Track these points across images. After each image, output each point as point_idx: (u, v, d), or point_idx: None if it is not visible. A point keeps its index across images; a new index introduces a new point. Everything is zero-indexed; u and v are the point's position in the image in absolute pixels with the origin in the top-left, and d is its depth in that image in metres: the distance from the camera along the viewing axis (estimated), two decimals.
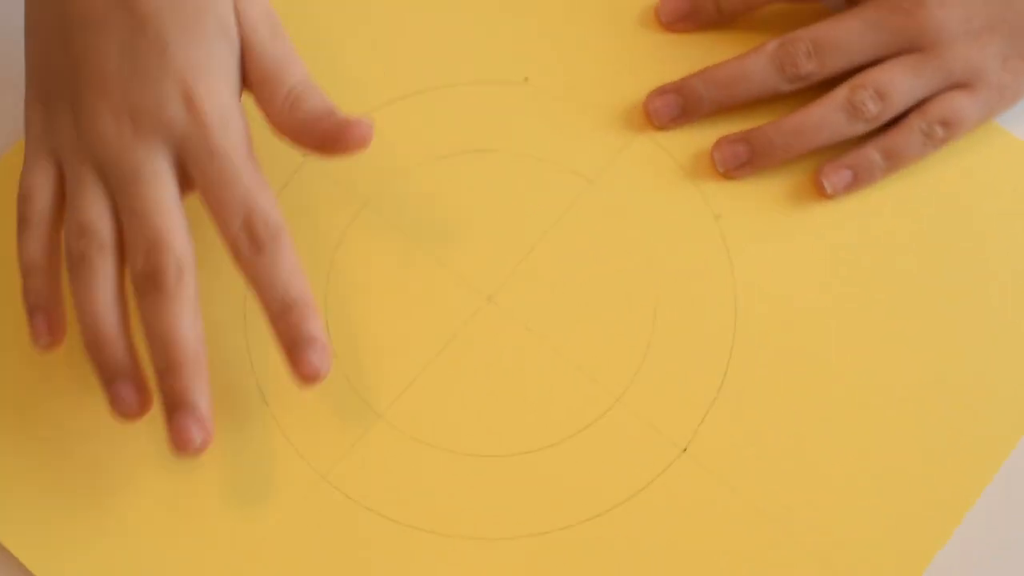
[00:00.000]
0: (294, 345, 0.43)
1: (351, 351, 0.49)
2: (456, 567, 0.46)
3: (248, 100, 0.47)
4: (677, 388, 0.49)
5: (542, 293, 0.51)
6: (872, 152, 0.51)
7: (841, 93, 0.51)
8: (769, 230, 0.51)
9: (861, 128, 0.51)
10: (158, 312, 0.43)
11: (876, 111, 0.51)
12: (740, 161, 0.52)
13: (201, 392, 0.43)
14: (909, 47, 0.51)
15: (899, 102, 0.51)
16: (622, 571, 0.46)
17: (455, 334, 0.50)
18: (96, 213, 0.44)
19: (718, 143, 0.52)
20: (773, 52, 0.51)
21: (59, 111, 0.46)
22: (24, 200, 0.46)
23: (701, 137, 0.53)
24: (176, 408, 0.42)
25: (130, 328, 0.44)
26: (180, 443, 0.42)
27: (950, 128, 0.51)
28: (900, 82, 0.51)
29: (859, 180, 0.51)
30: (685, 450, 0.48)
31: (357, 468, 0.47)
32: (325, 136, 0.45)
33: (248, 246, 0.43)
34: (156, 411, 0.44)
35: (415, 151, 0.53)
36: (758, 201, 0.52)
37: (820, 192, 0.52)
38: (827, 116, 0.51)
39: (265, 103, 0.46)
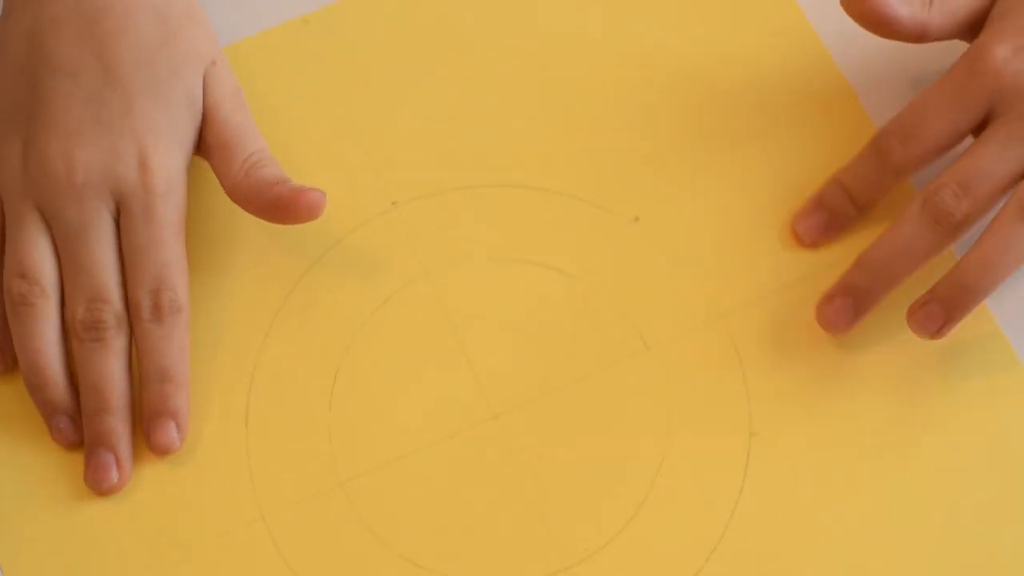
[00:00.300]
0: (158, 414, 0.47)
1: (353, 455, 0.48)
2: None
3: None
4: (682, 524, 0.47)
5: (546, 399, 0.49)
6: (962, 273, 0.46)
7: (916, 202, 0.47)
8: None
9: (949, 238, 0.47)
10: (94, 360, 0.46)
11: (963, 210, 0.46)
12: (849, 317, 0.48)
13: (124, 437, 0.46)
14: None
15: (987, 190, 0.46)
16: None
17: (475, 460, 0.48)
18: (38, 257, 0.46)
19: (819, 308, 0.48)
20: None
21: (9, 144, 0.47)
22: None
23: None
24: (98, 446, 0.46)
25: (68, 368, 0.47)
26: (96, 480, 0.46)
27: None
28: (984, 163, 0.46)
29: (952, 317, 0.46)
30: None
31: None
32: (278, 201, 0.47)
33: (150, 313, 0.46)
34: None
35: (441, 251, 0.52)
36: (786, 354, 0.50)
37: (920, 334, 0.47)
38: (910, 236, 0.47)
39: (222, 167, 0.48)
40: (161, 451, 0.47)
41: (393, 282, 0.51)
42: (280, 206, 0.47)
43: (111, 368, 0.46)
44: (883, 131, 0.49)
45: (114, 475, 0.46)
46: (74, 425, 0.47)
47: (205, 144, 0.48)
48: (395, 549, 0.47)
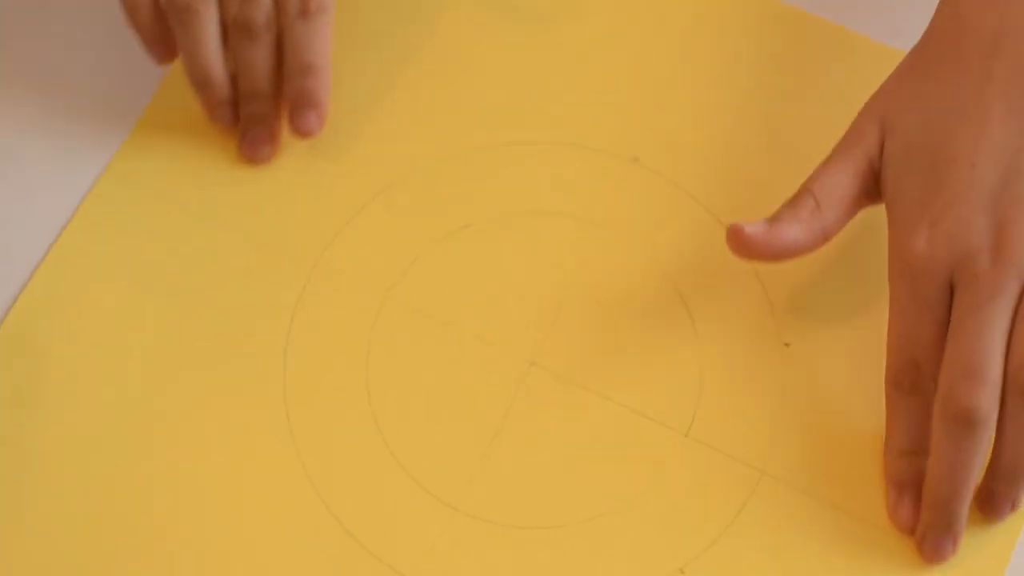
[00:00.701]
0: (300, 106, 0.51)
1: (409, 446, 0.48)
2: None
3: None
4: (741, 411, 0.48)
5: (582, 347, 0.49)
6: (1006, 462, 0.44)
7: (937, 422, 0.43)
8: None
9: (985, 429, 0.43)
10: (247, 53, 0.51)
11: (985, 401, 0.43)
12: (953, 546, 0.45)
13: (272, 117, 0.52)
14: None
15: (993, 365, 0.43)
16: None
17: (507, 408, 0.48)
18: None
19: (925, 555, 0.45)
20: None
21: None
22: None
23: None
24: (252, 125, 0.52)
25: (227, 65, 0.52)
26: (251, 152, 0.52)
27: None
28: (974, 343, 0.43)
29: (1019, 497, 0.45)
30: (764, 472, 0.47)
31: (443, 566, 0.46)
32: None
33: (297, 8, 0.50)
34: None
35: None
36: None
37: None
38: (955, 452, 0.43)
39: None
40: (304, 136, 0.52)
41: (419, 242, 0.52)
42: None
43: (262, 59, 0.51)
44: (893, 370, 0.45)
45: (267, 148, 0.52)
46: (233, 111, 0.52)
47: None
48: (431, 491, 0.47)
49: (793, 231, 0.46)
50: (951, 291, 0.44)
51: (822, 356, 0.49)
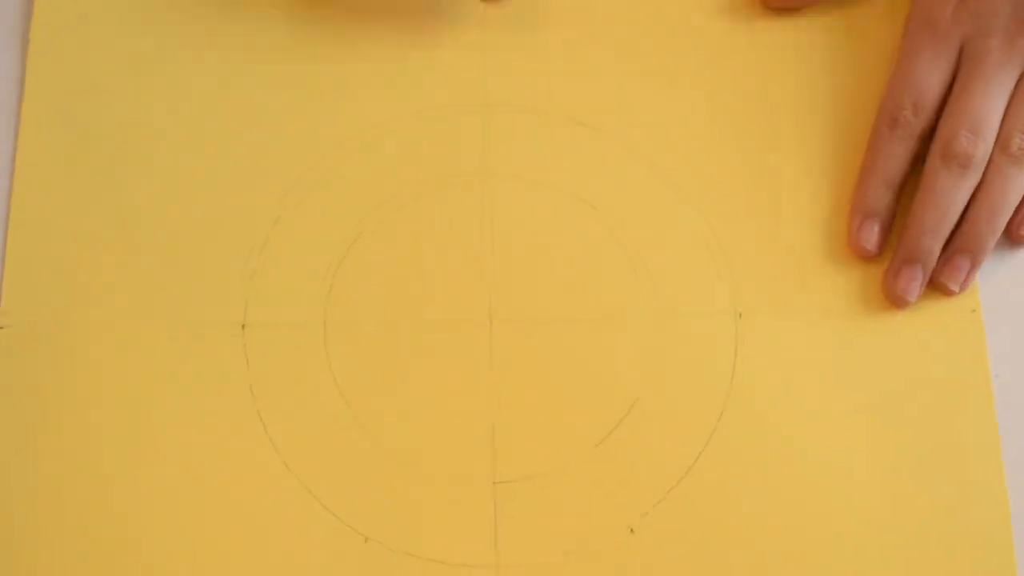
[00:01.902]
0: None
1: (368, 407, 0.49)
2: None
3: None
4: (693, 377, 0.49)
5: (538, 308, 0.50)
6: (975, 222, 0.49)
7: (935, 159, 0.50)
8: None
9: (976, 176, 0.49)
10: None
11: (981, 150, 0.49)
12: (919, 283, 0.50)
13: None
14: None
15: (992, 123, 0.49)
16: None
17: (466, 367, 0.49)
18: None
19: (888, 285, 0.50)
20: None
21: None
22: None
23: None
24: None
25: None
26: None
27: None
28: (979, 101, 0.50)
29: (976, 262, 0.50)
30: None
31: (403, 523, 0.47)
32: None
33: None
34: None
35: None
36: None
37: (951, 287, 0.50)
38: (947, 189, 0.49)
39: None
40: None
41: (388, 194, 0.51)
42: None
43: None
44: (891, 107, 0.51)
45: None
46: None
47: None
48: (385, 446, 0.48)
49: None
50: (959, 58, 0.50)
51: (773, 324, 0.50)
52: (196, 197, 0.51)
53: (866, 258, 0.50)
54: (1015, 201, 0.50)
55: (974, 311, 0.50)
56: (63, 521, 0.47)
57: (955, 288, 0.50)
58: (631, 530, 0.47)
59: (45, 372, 0.49)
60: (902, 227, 0.50)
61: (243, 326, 0.49)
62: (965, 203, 0.50)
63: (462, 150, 0.52)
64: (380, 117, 0.52)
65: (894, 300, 0.50)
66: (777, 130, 0.52)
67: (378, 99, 0.53)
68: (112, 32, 0.53)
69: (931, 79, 0.50)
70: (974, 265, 0.50)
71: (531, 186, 0.52)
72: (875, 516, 0.47)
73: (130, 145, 0.52)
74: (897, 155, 0.50)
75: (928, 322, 0.50)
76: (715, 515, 0.47)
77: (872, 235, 0.50)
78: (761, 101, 0.53)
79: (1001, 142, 0.49)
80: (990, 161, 0.49)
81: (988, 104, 0.49)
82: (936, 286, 0.50)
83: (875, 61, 0.53)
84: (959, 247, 0.50)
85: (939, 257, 0.50)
